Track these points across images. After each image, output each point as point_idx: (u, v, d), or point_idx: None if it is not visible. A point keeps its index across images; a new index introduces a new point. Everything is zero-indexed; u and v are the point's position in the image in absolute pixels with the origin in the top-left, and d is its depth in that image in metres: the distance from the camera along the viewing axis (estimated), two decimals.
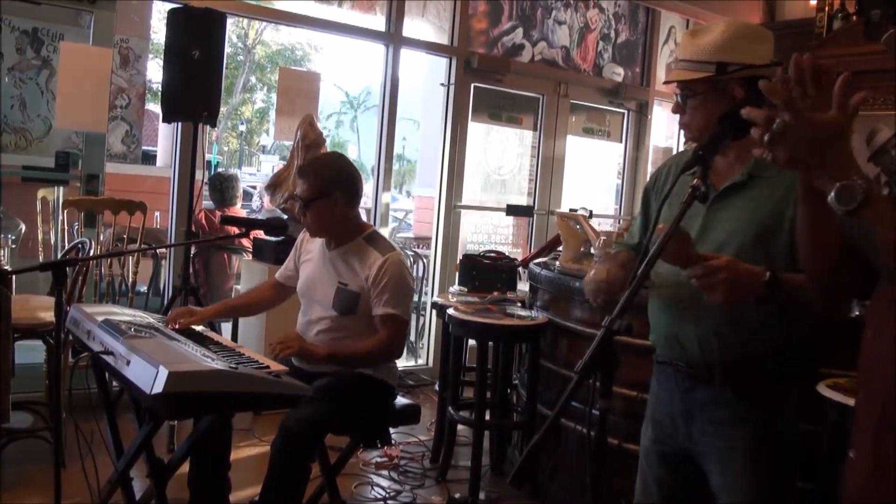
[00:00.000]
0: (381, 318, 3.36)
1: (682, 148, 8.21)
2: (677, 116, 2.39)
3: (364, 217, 7.01)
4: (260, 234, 4.82)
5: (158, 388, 2.35)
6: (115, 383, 3.32)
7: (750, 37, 2.30)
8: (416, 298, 7.45)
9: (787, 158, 1.50)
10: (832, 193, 1.46)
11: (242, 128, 25.61)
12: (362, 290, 3.39)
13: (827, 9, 6.35)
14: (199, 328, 3.43)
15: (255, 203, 15.53)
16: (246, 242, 6.00)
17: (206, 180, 6.36)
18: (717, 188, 2.31)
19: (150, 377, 2.40)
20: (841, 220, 1.49)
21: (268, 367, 2.83)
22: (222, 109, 20.86)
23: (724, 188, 2.31)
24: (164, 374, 2.35)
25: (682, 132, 2.42)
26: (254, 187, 16.44)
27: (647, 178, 8.26)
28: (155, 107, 12.39)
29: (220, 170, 16.77)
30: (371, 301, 3.37)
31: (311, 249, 3.65)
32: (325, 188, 3.39)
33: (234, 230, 3.77)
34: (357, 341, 3.37)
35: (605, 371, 1.83)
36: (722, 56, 2.24)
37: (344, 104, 27.00)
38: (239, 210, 7.00)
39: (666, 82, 2.40)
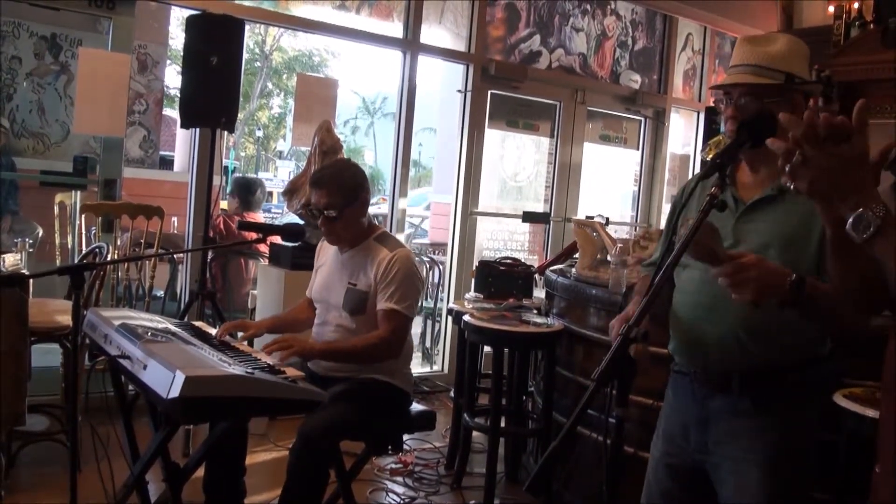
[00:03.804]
0: (382, 312, 3.38)
1: (699, 155, 8.19)
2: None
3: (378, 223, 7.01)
4: (277, 239, 4.82)
5: (175, 392, 2.36)
6: (131, 387, 3.33)
7: (803, 54, 2.35)
8: (431, 304, 7.46)
9: (808, 189, 1.51)
10: (849, 222, 1.48)
11: (259, 133, 25.68)
12: (370, 289, 3.41)
13: (844, 17, 6.34)
14: (212, 332, 3.44)
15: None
16: (263, 248, 6.02)
17: (223, 184, 6.39)
18: (747, 201, 2.32)
19: (166, 381, 2.40)
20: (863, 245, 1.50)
21: (284, 372, 2.83)
22: (240, 115, 20.97)
23: (752, 202, 2.31)
24: (180, 378, 2.36)
25: (724, 124, 2.40)
26: (270, 193, 16.47)
27: (664, 186, 8.28)
28: (172, 112, 12.42)
29: (245, 175, 16.84)
30: (377, 297, 3.40)
31: (325, 255, 3.69)
32: (352, 194, 3.45)
33: (252, 236, 3.79)
34: (356, 338, 3.40)
35: (622, 379, 1.82)
36: (789, 66, 2.27)
37: (360, 110, 27.04)
38: (259, 216, 7.02)
39: (725, 84, 2.37)
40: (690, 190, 2.30)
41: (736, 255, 2.04)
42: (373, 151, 27.00)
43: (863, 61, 5.76)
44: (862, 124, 1.48)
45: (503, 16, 7.24)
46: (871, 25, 6.13)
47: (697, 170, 7.88)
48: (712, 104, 2.51)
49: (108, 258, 4.43)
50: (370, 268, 3.43)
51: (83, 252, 4.60)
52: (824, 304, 2.05)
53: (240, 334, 3.46)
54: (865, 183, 1.48)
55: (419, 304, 3.87)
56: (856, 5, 6.37)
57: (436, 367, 7.11)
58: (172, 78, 12.80)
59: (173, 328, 3.20)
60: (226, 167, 15.24)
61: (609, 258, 4.33)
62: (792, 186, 1.53)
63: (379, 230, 3.61)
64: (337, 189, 3.43)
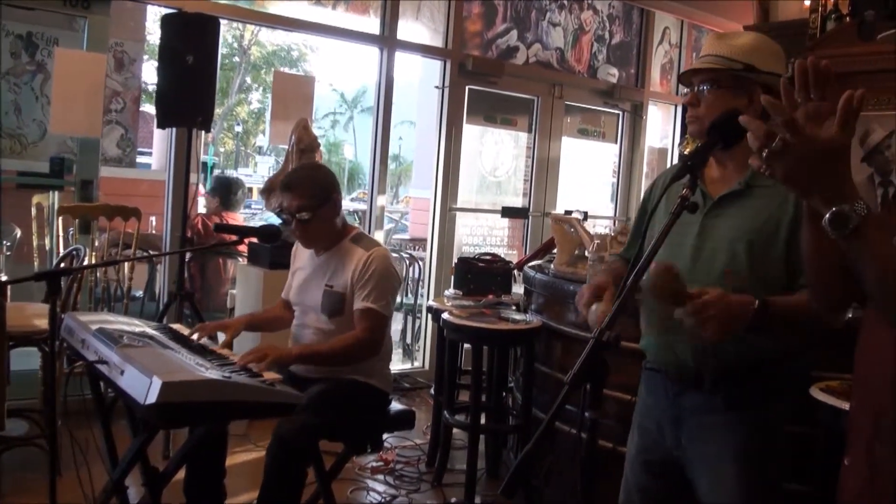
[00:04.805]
0: (359, 311, 3.39)
1: (676, 148, 8.22)
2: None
3: (357, 220, 6.92)
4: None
5: (152, 398, 2.35)
6: (110, 391, 3.32)
7: (773, 51, 2.37)
8: (411, 300, 7.47)
9: (783, 176, 1.49)
10: (826, 217, 1.45)
11: (238, 129, 25.58)
12: (347, 290, 3.42)
13: (820, 10, 6.36)
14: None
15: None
16: (241, 247, 6.00)
17: (200, 182, 6.37)
18: (715, 196, 2.34)
19: (143, 387, 2.40)
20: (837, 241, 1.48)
21: (261, 375, 2.83)
22: (218, 111, 20.86)
23: (720, 196, 2.33)
24: (157, 384, 2.35)
25: (688, 125, 2.44)
26: (250, 189, 16.41)
27: (643, 179, 8.31)
28: (151, 108, 12.33)
29: (226, 174, 16.74)
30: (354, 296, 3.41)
31: (301, 258, 3.69)
32: (324, 195, 3.45)
33: (229, 237, 3.78)
34: (333, 340, 3.40)
35: (594, 381, 1.83)
36: (751, 59, 2.30)
37: (340, 104, 26.97)
38: (238, 216, 7.00)
39: (688, 70, 2.42)
40: (661, 192, 2.31)
41: (696, 293, 2.04)
42: (352, 146, 26.94)
43: (839, 54, 5.77)
44: (847, 114, 1.45)
45: (480, 11, 7.24)
46: (848, 18, 6.15)
47: (676, 162, 7.91)
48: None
49: (86, 260, 4.41)
50: (347, 269, 3.44)
51: (61, 254, 4.58)
52: (793, 320, 2.09)
53: (221, 338, 3.46)
54: (846, 177, 1.47)
55: (396, 302, 3.86)
56: None
57: (416, 364, 7.13)
58: (151, 74, 12.72)
59: (151, 332, 3.19)
60: (204, 163, 15.18)
61: (587, 254, 4.35)
62: (767, 172, 1.51)
63: (354, 230, 3.62)
64: (308, 191, 3.43)
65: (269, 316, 3.86)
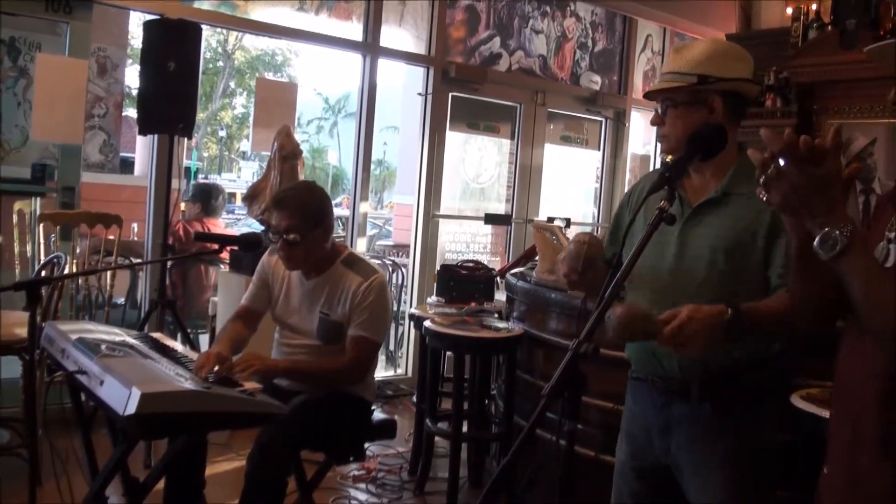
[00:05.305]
0: (352, 339, 3.36)
1: (659, 156, 8.25)
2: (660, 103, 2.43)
3: (341, 226, 6.90)
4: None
5: (131, 409, 2.34)
6: (90, 401, 3.30)
7: (731, 55, 2.37)
8: (394, 307, 7.45)
9: (779, 203, 1.56)
10: (816, 239, 1.53)
11: (222, 133, 25.49)
12: (345, 319, 3.37)
13: (802, 18, 6.40)
14: (171, 343, 3.42)
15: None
16: (223, 254, 5.98)
17: (182, 188, 6.34)
18: (693, 205, 2.35)
19: (122, 398, 2.39)
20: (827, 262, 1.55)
21: (241, 385, 2.83)
22: (202, 115, 20.78)
23: (698, 204, 2.35)
24: (136, 395, 2.34)
25: (659, 144, 2.48)
26: (233, 194, 16.34)
27: (625, 185, 8.33)
28: (135, 112, 12.29)
29: (206, 181, 16.67)
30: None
31: (281, 273, 3.60)
32: (317, 219, 3.36)
33: (211, 245, 3.74)
34: (322, 360, 3.38)
35: (572, 393, 1.84)
36: (704, 69, 2.31)
37: (325, 109, 26.92)
38: (220, 222, 6.98)
39: (647, 93, 2.45)
40: (638, 203, 2.32)
41: (666, 318, 2.04)
42: (336, 151, 26.88)
43: (821, 63, 5.82)
44: (836, 147, 1.53)
45: (463, 18, 7.25)
46: (830, 27, 6.20)
47: (658, 167, 7.93)
48: None
49: (67, 268, 4.39)
50: (345, 297, 3.38)
51: (42, 262, 4.56)
52: (769, 326, 2.10)
53: (203, 347, 3.43)
54: (836, 202, 1.53)
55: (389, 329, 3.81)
56: (814, 7, 6.43)
57: (400, 371, 7.12)
58: (134, 78, 12.67)
59: (131, 341, 3.17)
60: (187, 168, 15.12)
61: None
62: (765, 198, 1.56)
63: (345, 252, 3.53)
64: (300, 211, 3.33)
65: (242, 336, 3.63)
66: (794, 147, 1.49)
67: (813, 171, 1.50)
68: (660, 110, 2.40)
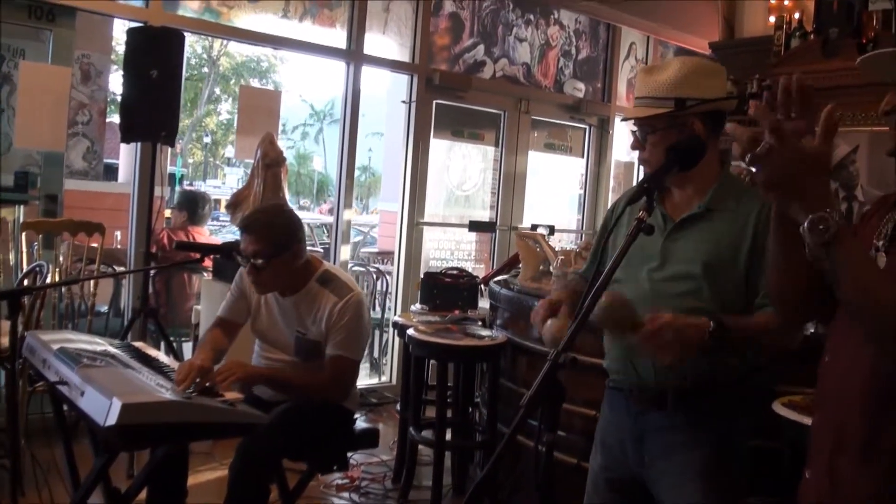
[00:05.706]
0: (329, 358, 3.34)
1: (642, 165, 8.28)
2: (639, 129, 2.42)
3: (325, 234, 6.86)
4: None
5: (112, 420, 2.33)
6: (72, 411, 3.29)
7: (705, 72, 2.37)
8: (378, 315, 7.45)
9: (766, 181, 1.49)
10: (805, 224, 1.47)
11: (207, 139, 25.46)
12: (322, 338, 3.36)
13: (785, 27, 6.45)
14: (153, 352, 3.41)
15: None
16: (206, 262, 5.96)
17: (165, 196, 6.33)
18: (675, 219, 2.36)
19: (103, 409, 2.38)
20: (810, 250, 1.48)
21: (222, 395, 2.82)
22: (187, 121, 20.73)
23: (681, 219, 2.36)
24: (117, 405, 2.33)
25: (641, 167, 2.47)
26: (218, 201, 16.29)
27: (609, 193, 8.35)
28: (118, 119, 12.22)
29: (193, 189, 16.59)
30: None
31: None
32: (283, 244, 3.31)
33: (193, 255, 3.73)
34: (304, 372, 3.38)
35: (551, 403, 1.84)
36: (680, 92, 2.30)
37: (311, 115, 26.92)
38: (205, 230, 6.96)
39: (625, 120, 2.45)
40: (619, 213, 2.33)
41: (648, 319, 2.06)
42: (322, 157, 26.89)
43: (803, 71, 5.84)
44: (829, 129, 1.48)
45: (447, 25, 7.26)
46: (812, 35, 6.24)
47: (642, 176, 7.96)
48: None
49: (49, 277, 4.38)
50: (320, 317, 3.35)
51: (24, 270, 4.54)
52: (748, 339, 2.12)
53: (187, 355, 3.42)
54: (826, 185, 1.49)
55: (367, 346, 3.77)
56: (796, 15, 6.48)
57: (384, 378, 7.11)
58: (118, 84, 12.66)
59: (112, 350, 3.16)
60: (172, 174, 15.06)
61: (551, 269, 4.38)
62: (748, 178, 1.52)
63: (320, 268, 3.48)
64: (265, 237, 3.28)
65: (222, 346, 3.61)
66: (780, 129, 1.45)
67: (803, 149, 1.47)
68: (639, 136, 2.40)
